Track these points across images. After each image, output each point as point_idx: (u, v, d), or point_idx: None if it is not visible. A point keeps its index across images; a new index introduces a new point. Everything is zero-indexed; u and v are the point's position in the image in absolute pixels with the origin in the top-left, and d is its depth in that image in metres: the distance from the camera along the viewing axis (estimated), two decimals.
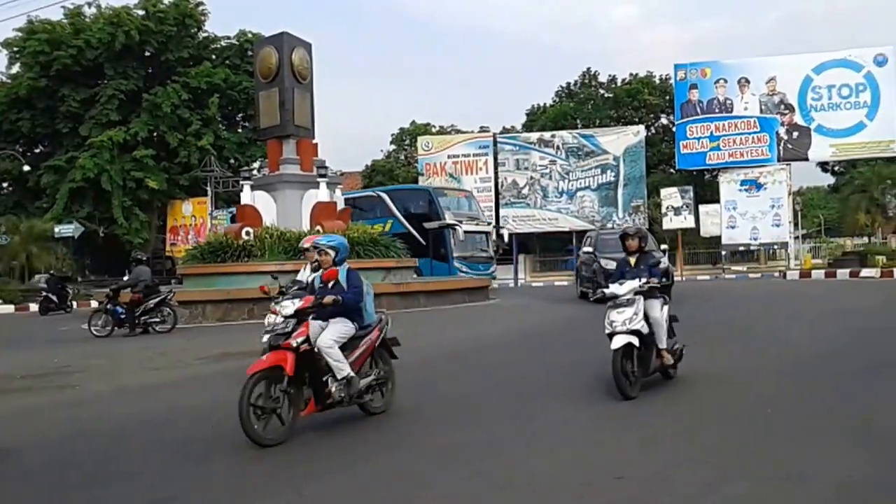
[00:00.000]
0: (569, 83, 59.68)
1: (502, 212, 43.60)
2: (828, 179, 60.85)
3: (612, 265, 11.64)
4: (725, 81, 39.60)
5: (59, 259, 37.66)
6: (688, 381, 8.06)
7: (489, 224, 33.24)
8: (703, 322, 12.96)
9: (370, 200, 33.09)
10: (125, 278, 19.28)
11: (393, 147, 59.96)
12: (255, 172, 25.82)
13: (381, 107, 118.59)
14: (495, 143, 45.73)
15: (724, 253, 39.88)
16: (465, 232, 29.00)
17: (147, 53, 43.13)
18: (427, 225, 29.88)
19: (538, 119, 56.40)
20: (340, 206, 23.85)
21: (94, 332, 16.65)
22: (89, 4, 42.42)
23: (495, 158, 44.52)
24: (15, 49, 41.58)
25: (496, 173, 44.50)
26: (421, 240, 29.49)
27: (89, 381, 10.28)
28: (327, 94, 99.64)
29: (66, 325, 21.32)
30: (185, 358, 12.07)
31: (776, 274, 32.64)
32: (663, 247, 25.08)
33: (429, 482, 5.10)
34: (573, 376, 8.61)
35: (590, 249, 20.62)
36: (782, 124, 38.68)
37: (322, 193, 22.64)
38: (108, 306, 16.88)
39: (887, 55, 37.97)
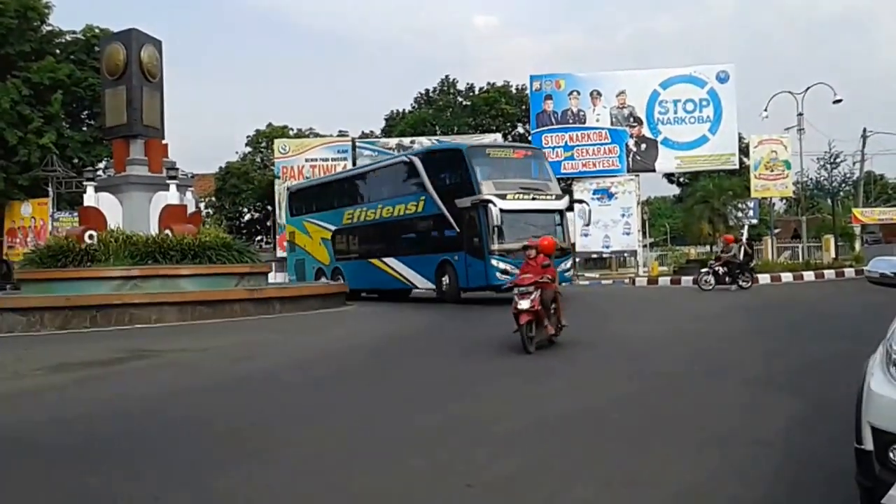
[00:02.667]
0: (428, 90, 60.38)
1: None
2: (674, 190, 64.02)
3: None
4: (578, 93, 40.94)
5: None
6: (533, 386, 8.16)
7: (559, 197, 22.24)
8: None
9: (398, 170, 25.12)
10: None
11: (248, 149, 58.77)
12: (100, 173, 24.77)
13: (236, 108, 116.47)
14: (354, 147, 45.54)
15: (577, 260, 40.94)
16: (508, 211, 20.10)
17: None
18: (458, 202, 21.27)
19: (397, 125, 56.72)
20: (191, 209, 23.05)
21: None
22: None
23: (354, 163, 44.34)
24: None
25: None
26: (455, 225, 21.60)
27: None
28: (179, 93, 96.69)
29: None
30: (20, 369, 11.29)
31: (626, 280, 33.88)
32: None
33: None
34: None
35: None
36: (631, 136, 40.35)
37: (172, 196, 21.80)
38: None
39: (729, 72, 40.29)
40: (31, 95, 39.65)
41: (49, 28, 43.35)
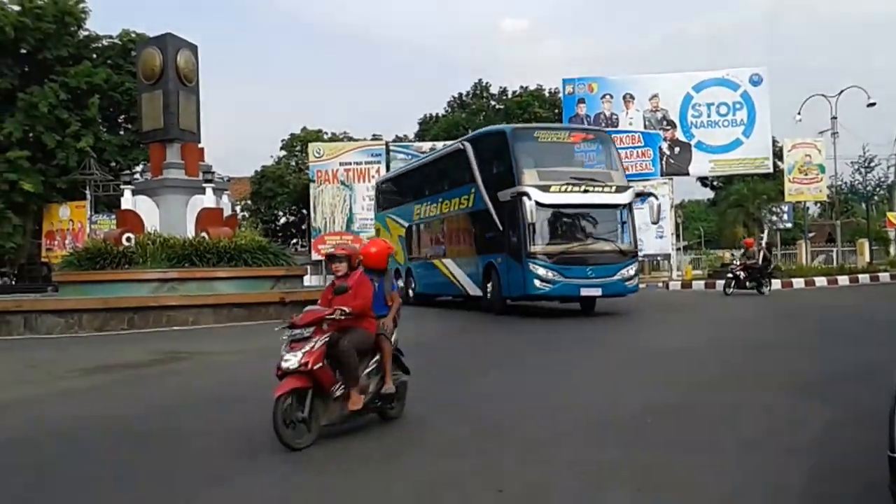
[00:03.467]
0: (461, 94, 60.41)
1: None
2: (708, 194, 63.53)
3: None
4: (611, 97, 40.77)
5: None
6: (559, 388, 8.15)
7: (622, 189, 18.11)
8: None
9: (453, 159, 21.91)
10: None
11: (283, 153, 59.20)
12: (137, 176, 25.03)
13: (272, 112, 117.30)
14: (388, 151, 45.67)
15: None
16: (549, 206, 17.18)
17: (23, 51, 41.03)
18: (500, 195, 18.28)
19: (431, 128, 56.79)
20: (227, 212, 23.29)
21: None
22: None
23: (388, 167, 44.50)
24: None
25: None
26: (498, 222, 18.45)
27: None
28: (215, 97, 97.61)
29: None
30: (57, 370, 11.46)
31: (659, 284, 33.60)
32: None
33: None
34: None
35: None
36: (665, 140, 40.03)
37: (208, 199, 22.04)
38: None
39: (762, 75, 39.88)
40: (69, 99, 40.33)
41: (86, 33, 44.04)
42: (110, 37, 44.90)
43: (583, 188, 17.23)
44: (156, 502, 5.05)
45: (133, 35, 43.17)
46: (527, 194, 16.73)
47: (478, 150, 20.02)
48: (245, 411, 7.56)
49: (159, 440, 6.71)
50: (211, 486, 5.31)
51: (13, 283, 41.10)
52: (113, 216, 34.32)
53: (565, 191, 17.09)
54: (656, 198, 19.08)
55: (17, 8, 39.89)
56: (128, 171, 30.06)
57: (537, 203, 16.70)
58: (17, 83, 40.34)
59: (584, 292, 17.20)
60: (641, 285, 35.37)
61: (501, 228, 18.24)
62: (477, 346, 13.63)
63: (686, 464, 5.45)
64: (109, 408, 8.45)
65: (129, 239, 20.59)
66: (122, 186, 24.25)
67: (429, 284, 23.54)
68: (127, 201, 22.54)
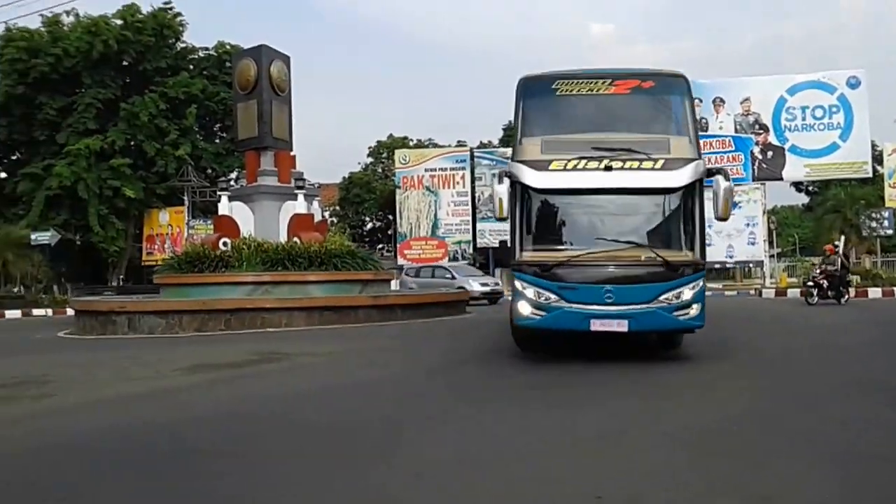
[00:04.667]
0: None
1: (479, 226, 43.77)
2: (802, 199, 61.76)
3: None
4: (700, 101, 39.83)
5: (36, 266, 37.37)
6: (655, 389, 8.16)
7: (678, 165, 10.90)
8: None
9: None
10: None
11: (370, 160, 60.16)
12: (232, 183, 25.86)
13: (359, 120, 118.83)
14: (472, 157, 45.94)
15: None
16: (544, 192, 11.45)
17: (125, 63, 42.90)
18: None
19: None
20: (318, 217, 23.88)
21: None
22: (67, 13, 42.19)
23: (472, 173, 44.74)
24: None
25: (473, 187, 44.69)
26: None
27: (65, 391, 10.18)
28: (305, 106, 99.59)
29: (40, 332, 21.23)
30: (162, 369, 11.98)
31: (752, 292, 32.92)
32: None
33: None
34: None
35: None
36: (757, 144, 39.14)
37: (300, 205, 22.65)
38: None
39: (860, 77, 38.60)
40: (168, 109, 41.96)
41: (183, 45, 45.82)
42: (206, 49, 46.63)
43: (604, 163, 10.73)
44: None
45: (228, 47, 44.63)
46: (514, 175, 11.32)
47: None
48: (338, 408, 7.80)
49: (256, 437, 7.00)
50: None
51: (124, 284, 42.92)
52: (209, 221, 35.59)
53: (575, 168, 10.90)
54: (726, 177, 11.09)
55: (119, 22, 41.77)
56: (224, 178, 30.94)
57: (527, 188, 11.20)
58: (120, 94, 42.15)
59: (598, 326, 10.56)
60: (731, 293, 35.17)
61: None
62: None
63: (783, 474, 5.46)
64: (209, 406, 8.84)
65: (225, 243, 21.31)
66: (218, 192, 25.10)
67: None
68: (223, 207, 23.30)
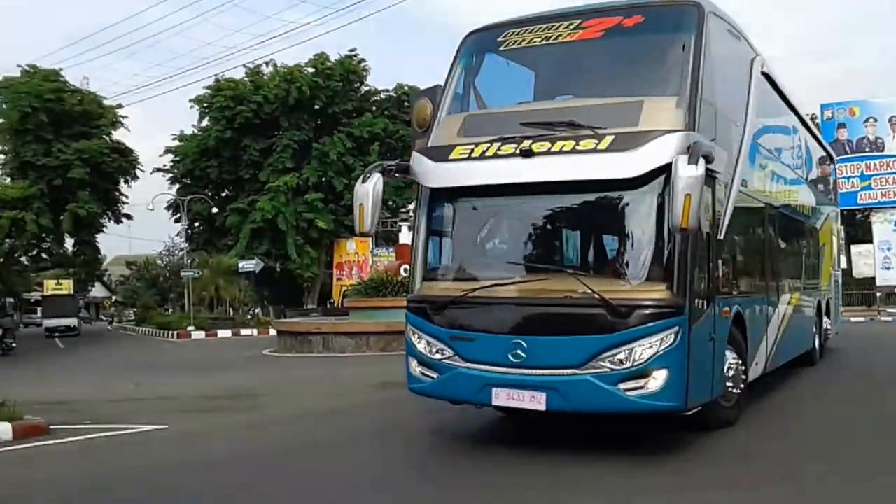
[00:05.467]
0: None
1: None
2: None
3: None
4: (875, 120, 38.68)
5: (242, 291, 41.63)
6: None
7: (649, 140, 6.70)
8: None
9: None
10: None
11: None
12: (411, 214, 28.00)
13: None
14: None
15: (878, 294, 38.75)
16: (447, 192, 8.15)
17: (316, 107, 46.63)
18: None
19: None
20: None
21: None
22: (267, 64, 46.51)
23: None
24: (204, 105, 46.05)
25: None
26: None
27: (275, 403, 11.65)
28: None
29: (248, 350, 24.14)
30: (356, 385, 13.33)
31: None
32: None
33: None
34: None
35: None
36: None
37: None
38: None
39: None
40: (354, 147, 45.55)
41: (366, 88, 49.55)
42: (387, 90, 50.08)
43: (518, 147, 7.11)
44: None
45: (406, 88, 47.64)
46: (411, 169, 8.49)
47: None
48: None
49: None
50: None
51: (322, 307, 46.76)
52: (392, 249, 38.33)
53: (482, 155, 7.37)
54: (694, 160, 6.20)
55: (311, 70, 45.83)
56: (404, 210, 33.00)
57: (422, 188, 8.40)
58: (312, 135, 46.20)
59: (503, 399, 7.11)
60: (887, 318, 32.78)
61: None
62: None
63: None
64: (417, 415, 9.50)
65: (406, 270, 23.54)
66: (399, 223, 27.23)
67: None
68: (404, 236, 25.35)
